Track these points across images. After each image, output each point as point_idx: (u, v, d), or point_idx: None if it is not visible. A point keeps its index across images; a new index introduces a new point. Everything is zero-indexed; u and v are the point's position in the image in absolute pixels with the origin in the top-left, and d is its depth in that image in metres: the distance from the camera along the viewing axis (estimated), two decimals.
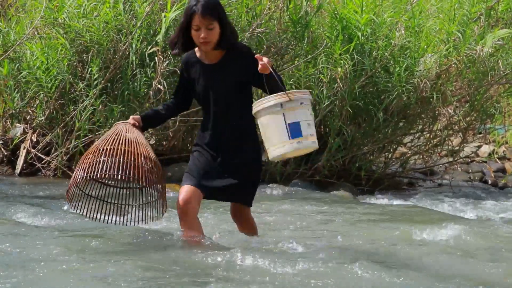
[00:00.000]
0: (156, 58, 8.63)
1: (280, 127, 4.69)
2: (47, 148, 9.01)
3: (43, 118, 8.91)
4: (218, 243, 5.35)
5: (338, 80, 8.89)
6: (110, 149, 4.79)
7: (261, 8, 9.25)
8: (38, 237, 5.63)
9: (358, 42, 8.90)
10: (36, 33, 8.95)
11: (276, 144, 4.72)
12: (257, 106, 4.76)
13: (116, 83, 8.87)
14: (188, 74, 5.09)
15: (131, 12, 8.73)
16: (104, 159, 4.76)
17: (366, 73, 8.98)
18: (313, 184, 9.23)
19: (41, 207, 7.07)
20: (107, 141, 4.84)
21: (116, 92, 8.87)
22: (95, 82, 8.67)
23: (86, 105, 8.70)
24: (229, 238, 5.62)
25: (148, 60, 8.76)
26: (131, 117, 5.03)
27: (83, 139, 8.80)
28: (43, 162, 8.91)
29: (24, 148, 8.95)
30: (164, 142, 9.60)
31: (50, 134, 8.91)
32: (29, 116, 9.14)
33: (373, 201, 8.66)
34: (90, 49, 8.73)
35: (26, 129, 9.06)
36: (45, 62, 8.71)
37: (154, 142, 9.66)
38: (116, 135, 4.87)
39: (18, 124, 9.15)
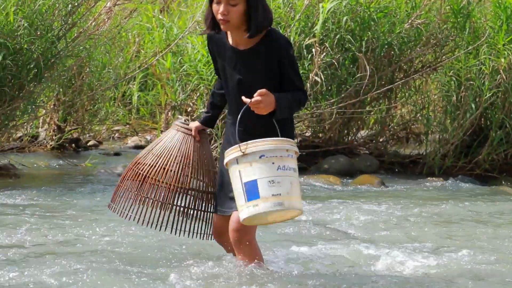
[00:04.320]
0: (313, 50, 8.65)
1: (237, 187, 3.83)
2: None
3: (203, 110, 9.13)
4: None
5: (501, 71, 8.61)
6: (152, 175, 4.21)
7: None
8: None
9: None
10: (197, 27, 9.18)
11: (237, 207, 3.89)
12: (225, 159, 3.93)
13: None
14: (212, 51, 4.22)
15: (290, 5, 8.79)
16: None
17: None
18: (473, 178, 8.98)
19: None
20: (154, 161, 4.25)
21: None
22: None
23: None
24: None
25: (305, 52, 8.80)
26: (194, 128, 4.30)
27: None
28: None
29: None
30: (320, 134, 9.61)
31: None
32: (190, 108, 9.39)
33: None
34: None
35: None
36: (205, 55, 8.92)
37: (310, 134, 9.70)
38: (168, 156, 4.23)
39: (179, 116, 9.40)
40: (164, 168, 4.20)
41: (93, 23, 8.11)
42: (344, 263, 4.73)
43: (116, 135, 11.32)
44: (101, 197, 6.93)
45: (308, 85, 8.76)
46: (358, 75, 8.87)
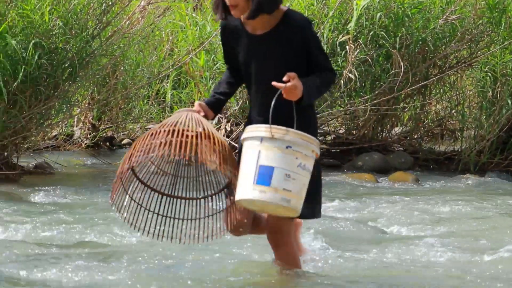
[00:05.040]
0: (347, 47, 8.62)
1: (250, 165, 3.59)
2: None
3: (236, 108, 9.14)
4: None
5: None
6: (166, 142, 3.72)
7: None
8: None
9: None
10: None
11: (240, 184, 3.64)
12: (244, 133, 3.73)
13: None
14: (228, 41, 4.00)
15: (323, 2, 8.77)
16: (162, 140, 3.73)
17: None
18: (509, 174, 8.89)
19: None
20: (163, 132, 3.77)
21: None
22: None
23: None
24: None
25: (339, 49, 8.77)
26: (197, 103, 3.94)
27: None
28: (236, 151, 9.14)
29: None
30: (354, 131, 9.58)
31: (243, 123, 9.13)
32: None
33: None
34: None
35: (221, 119, 9.33)
36: None
37: (343, 131, 9.67)
38: (176, 124, 3.78)
39: None
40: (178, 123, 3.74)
41: (127, 22, 8.15)
42: (380, 262, 4.70)
43: None
44: None
45: (342, 82, 8.73)
46: (392, 71, 8.82)
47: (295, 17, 3.81)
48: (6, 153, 7.58)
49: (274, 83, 3.68)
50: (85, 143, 9.81)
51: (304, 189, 3.62)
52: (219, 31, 4.03)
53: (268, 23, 3.80)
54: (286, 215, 3.71)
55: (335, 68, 8.77)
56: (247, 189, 3.59)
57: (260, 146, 3.58)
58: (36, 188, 7.07)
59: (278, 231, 3.91)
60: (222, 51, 8.96)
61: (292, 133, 3.59)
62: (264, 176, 3.57)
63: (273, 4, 3.77)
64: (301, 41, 3.78)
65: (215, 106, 3.95)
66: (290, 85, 3.65)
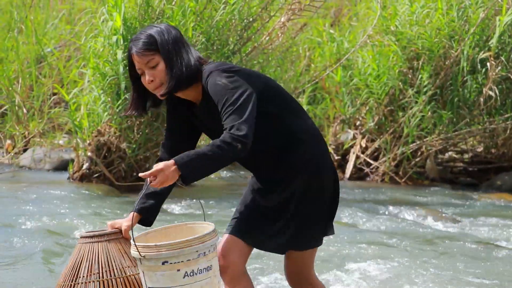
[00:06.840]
0: (488, 64, 8.46)
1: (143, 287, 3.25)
2: (375, 154, 9.20)
3: (372, 124, 9.12)
4: None
5: None
6: None
7: None
8: (360, 238, 5.78)
9: None
10: (368, 41, 9.19)
11: None
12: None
13: (445, 89, 8.84)
14: (177, 111, 3.56)
15: (464, 18, 8.63)
16: None
17: None
18: None
19: (368, 210, 7.25)
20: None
21: (445, 99, 8.83)
22: (425, 89, 8.70)
23: (414, 112, 8.75)
24: None
25: (479, 66, 8.61)
26: (124, 225, 3.43)
27: (411, 145, 8.87)
28: (371, 167, 9.12)
29: (353, 153, 9.23)
30: (493, 150, 9.37)
31: (378, 139, 9.09)
32: (358, 121, 9.40)
33: None
34: (421, 56, 8.77)
35: (356, 135, 9.33)
36: (376, 69, 8.91)
37: (481, 149, 9.46)
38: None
39: (348, 130, 9.46)
40: None
41: (267, 38, 8.29)
42: None
43: None
44: None
45: (482, 99, 8.57)
46: None
47: (204, 73, 3.39)
48: (148, 165, 7.85)
49: (140, 174, 3.21)
50: None
51: None
52: (166, 108, 3.55)
53: (197, 90, 3.44)
54: None
55: (474, 85, 8.62)
56: None
57: (141, 266, 3.22)
58: (176, 199, 7.26)
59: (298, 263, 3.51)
60: (359, 66, 9.05)
61: (161, 247, 3.16)
62: None
63: (191, 77, 3.39)
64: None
65: (148, 211, 3.46)
66: (155, 182, 3.18)
